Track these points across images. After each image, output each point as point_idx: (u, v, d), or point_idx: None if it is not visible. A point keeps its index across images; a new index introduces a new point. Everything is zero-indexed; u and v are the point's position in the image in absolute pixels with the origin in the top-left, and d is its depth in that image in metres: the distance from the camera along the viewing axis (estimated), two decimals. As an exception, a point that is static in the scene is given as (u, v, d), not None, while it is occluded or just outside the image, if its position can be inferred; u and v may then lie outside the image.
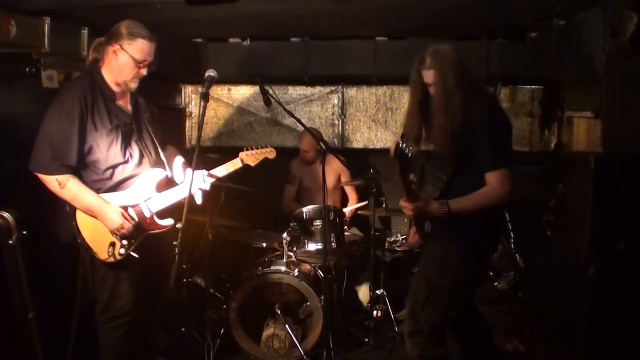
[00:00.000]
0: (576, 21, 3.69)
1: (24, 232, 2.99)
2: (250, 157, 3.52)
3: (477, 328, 3.36)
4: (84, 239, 3.09)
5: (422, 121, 3.12)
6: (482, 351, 3.38)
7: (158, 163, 3.31)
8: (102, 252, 3.10)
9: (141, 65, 3.09)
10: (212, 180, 3.39)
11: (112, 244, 3.11)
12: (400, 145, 2.68)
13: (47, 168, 2.97)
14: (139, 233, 3.19)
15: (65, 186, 2.97)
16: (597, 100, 3.32)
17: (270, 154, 3.60)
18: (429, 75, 3.01)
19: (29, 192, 3.24)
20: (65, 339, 3.34)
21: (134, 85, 3.14)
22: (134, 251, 3.16)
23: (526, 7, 3.69)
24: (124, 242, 3.13)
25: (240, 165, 3.50)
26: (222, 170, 3.46)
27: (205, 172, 3.38)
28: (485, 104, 3.02)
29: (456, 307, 3.11)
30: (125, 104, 3.23)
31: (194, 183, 3.18)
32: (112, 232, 3.10)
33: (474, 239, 3.04)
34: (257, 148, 3.56)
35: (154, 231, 3.25)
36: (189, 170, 3.11)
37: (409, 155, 2.71)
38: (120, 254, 3.12)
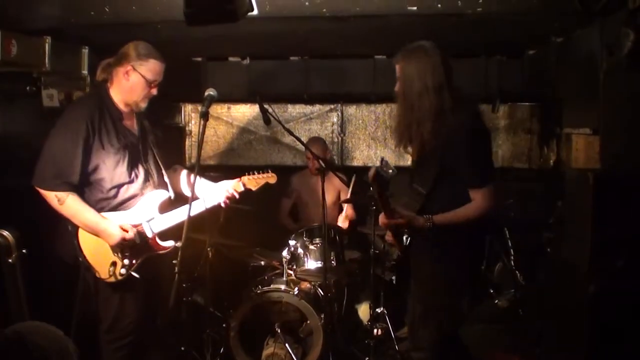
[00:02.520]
0: (574, 38, 3.72)
1: (24, 250, 2.99)
2: (251, 181, 3.56)
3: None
4: (85, 258, 3.09)
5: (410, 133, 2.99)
6: None
7: (161, 184, 3.34)
8: (103, 271, 3.10)
9: (152, 85, 3.14)
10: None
11: (114, 264, 3.11)
12: (379, 170, 2.66)
13: (48, 184, 2.99)
14: (141, 253, 3.18)
15: (65, 203, 2.99)
16: (596, 116, 3.34)
17: (272, 179, 3.62)
18: (397, 69, 2.94)
19: (29, 210, 3.24)
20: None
21: (143, 105, 3.18)
22: (135, 271, 3.15)
23: (524, 25, 3.72)
24: (125, 262, 3.12)
25: (242, 188, 3.53)
26: None
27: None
28: (464, 115, 2.87)
29: (451, 323, 3.05)
30: (132, 124, 3.26)
31: (204, 197, 3.36)
32: (114, 251, 3.10)
33: (460, 258, 2.94)
34: (259, 172, 3.60)
35: (155, 252, 3.25)
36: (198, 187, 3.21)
37: (388, 177, 2.66)
38: (121, 274, 3.12)
